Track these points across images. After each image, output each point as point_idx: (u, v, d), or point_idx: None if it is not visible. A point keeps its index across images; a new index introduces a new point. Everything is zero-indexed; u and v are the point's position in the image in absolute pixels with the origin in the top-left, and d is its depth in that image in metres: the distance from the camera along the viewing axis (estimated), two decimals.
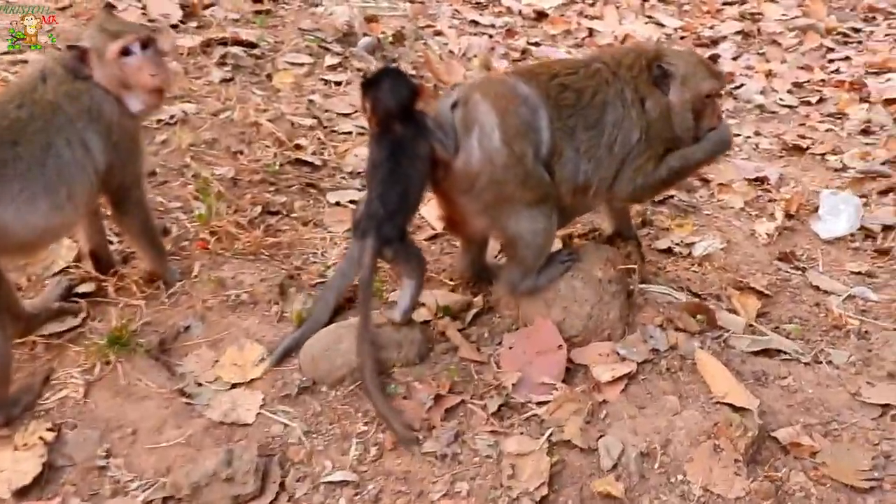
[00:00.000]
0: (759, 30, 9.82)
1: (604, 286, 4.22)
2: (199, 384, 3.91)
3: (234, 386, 3.89)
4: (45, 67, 3.93)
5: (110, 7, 4.15)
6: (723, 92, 5.19)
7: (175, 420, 3.72)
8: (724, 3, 10.46)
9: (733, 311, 4.64)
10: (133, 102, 4.01)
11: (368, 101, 4.01)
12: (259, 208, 4.99)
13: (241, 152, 5.38)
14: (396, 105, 3.96)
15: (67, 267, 4.42)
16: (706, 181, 6.41)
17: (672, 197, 6.01)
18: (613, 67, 4.30)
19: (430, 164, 4.01)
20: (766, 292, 4.92)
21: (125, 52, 3.94)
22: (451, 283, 4.60)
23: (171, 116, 5.42)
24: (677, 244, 5.34)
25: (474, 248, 4.60)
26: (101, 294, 4.27)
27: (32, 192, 3.67)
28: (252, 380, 3.91)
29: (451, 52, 8.60)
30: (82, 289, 4.29)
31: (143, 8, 6.96)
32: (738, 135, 7.46)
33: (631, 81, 4.28)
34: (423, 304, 4.32)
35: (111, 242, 4.52)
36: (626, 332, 4.24)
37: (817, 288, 5.11)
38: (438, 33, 9.00)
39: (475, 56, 8.51)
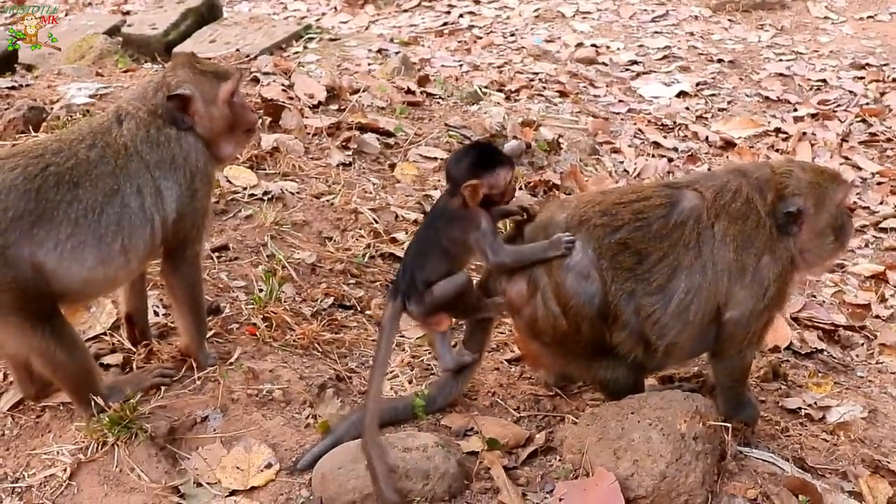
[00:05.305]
0: None
1: (686, 443, 3.45)
2: (199, 484, 3.44)
3: (232, 493, 3.38)
4: (121, 109, 3.72)
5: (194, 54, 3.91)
6: None
7: None
8: None
9: (857, 496, 3.75)
10: (227, 146, 3.87)
11: (447, 165, 3.91)
12: (330, 300, 4.53)
13: (332, 239, 4.95)
14: (460, 176, 3.73)
15: (103, 333, 4.08)
16: (869, 338, 5.50)
17: (822, 352, 5.14)
18: (710, 217, 3.71)
19: (462, 248, 3.74)
20: None
21: (234, 92, 3.81)
22: (517, 413, 3.95)
23: (267, 192, 5.08)
24: (810, 405, 4.44)
25: None
26: (125, 368, 3.90)
27: (80, 240, 3.41)
28: (252, 488, 3.39)
29: (625, 170, 8.15)
30: (108, 360, 3.94)
31: (289, 86, 6.82)
32: None
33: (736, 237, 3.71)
34: (477, 432, 3.70)
35: (156, 314, 4.17)
36: (710, 501, 3.43)
37: None
38: (616, 150, 8.55)
39: (646, 179, 7.92)
